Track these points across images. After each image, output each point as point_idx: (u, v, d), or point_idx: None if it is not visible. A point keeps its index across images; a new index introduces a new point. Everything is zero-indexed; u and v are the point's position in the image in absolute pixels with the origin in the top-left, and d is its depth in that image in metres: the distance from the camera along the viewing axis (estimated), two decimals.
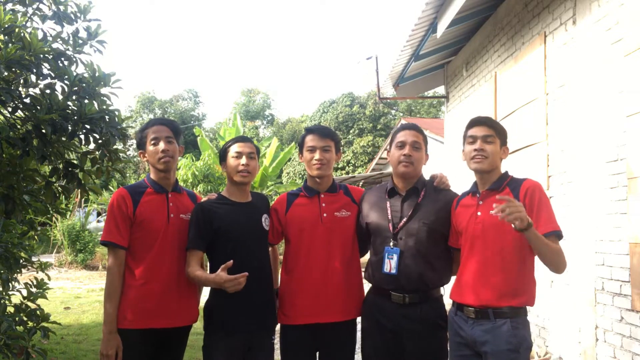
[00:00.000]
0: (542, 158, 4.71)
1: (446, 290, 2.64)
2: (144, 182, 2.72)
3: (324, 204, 2.76)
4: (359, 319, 2.75)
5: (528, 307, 2.37)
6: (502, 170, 2.50)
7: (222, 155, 2.77)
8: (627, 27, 3.50)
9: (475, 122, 2.47)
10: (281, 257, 2.89)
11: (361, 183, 15.16)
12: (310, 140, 2.75)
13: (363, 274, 2.79)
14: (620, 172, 3.54)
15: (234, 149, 2.71)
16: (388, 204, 2.66)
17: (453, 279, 2.60)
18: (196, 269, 2.55)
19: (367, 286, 2.77)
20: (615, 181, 3.60)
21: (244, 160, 2.67)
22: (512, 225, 2.12)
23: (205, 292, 2.80)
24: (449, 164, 7.44)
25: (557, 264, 2.28)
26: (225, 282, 2.37)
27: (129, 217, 2.58)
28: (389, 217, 2.63)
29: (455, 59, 7.60)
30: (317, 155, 2.71)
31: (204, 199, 2.81)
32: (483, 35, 6.34)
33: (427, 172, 2.78)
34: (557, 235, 2.28)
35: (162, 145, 2.63)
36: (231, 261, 2.42)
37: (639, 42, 3.37)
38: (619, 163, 3.56)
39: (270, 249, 2.88)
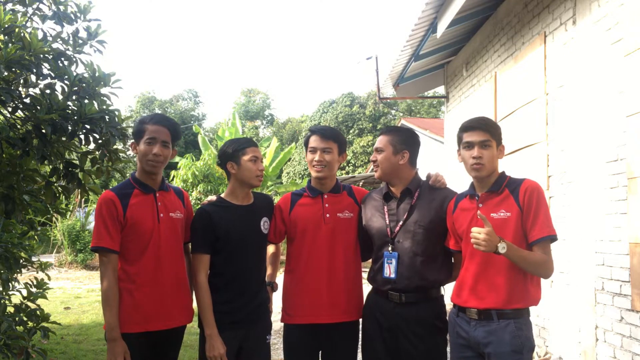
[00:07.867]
0: (542, 158, 4.71)
1: (446, 291, 2.62)
2: (130, 183, 2.60)
3: (327, 205, 2.76)
4: (361, 320, 2.75)
5: (530, 307, 2.36)
6: (500, 170, 2.47)
7: (231, 156, 2.68)
8: (627, 27, 3.50)
9: (469, 127, 2.41)
10: (283, 258, 2.89)
11: (361, 183, 15.14)
12: (312, 141, 2.76)
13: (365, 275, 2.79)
14: (620, 172, 3.54)
15: (250, 152, 2.67)
16: (385, 208, 2.66)
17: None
18: (205, 288, 2.58)
19: (368, 288, 2.76)
20: (615, 181, 3.60)
21: (260, 165, 2.70)
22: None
23: None
24: (449, 164, 7.44)
25: (540, 274, 2.30)
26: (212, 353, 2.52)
27: (120, 221, 2.49)
28: (387, 221, 2.63)
29: (455, 59, 7.60)
30: (317, 157, 2.71)
31: (205, 200, 2.80)
32: (483, 35, 6.34)
33: (427, 172, 2.78)
34: (552, 239, 2.28)
35: (156, 148, 2.54)
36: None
37: (639, 42, 3.37)
38: (619, 163, 3.55)
39: (273, 247, 2.92)
